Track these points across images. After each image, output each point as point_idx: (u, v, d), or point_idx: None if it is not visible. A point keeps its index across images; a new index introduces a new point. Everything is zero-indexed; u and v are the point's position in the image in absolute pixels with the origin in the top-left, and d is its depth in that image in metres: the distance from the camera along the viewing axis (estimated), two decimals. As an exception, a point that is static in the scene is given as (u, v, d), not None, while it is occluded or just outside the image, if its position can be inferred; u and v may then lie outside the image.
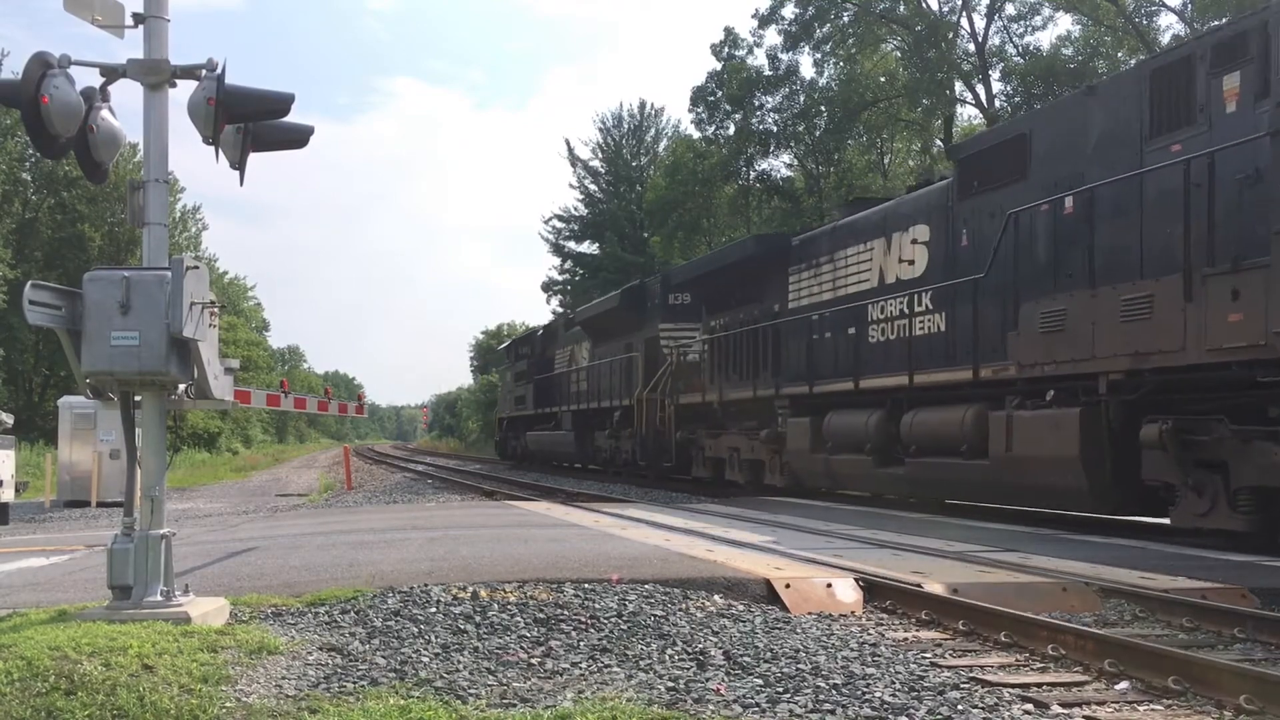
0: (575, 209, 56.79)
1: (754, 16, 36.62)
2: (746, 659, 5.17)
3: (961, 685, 4.71)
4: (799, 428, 15.56)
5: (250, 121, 6.07)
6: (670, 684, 4.74)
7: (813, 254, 16.02)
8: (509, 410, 37.13)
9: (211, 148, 5.89)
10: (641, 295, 23.54)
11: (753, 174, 38.88)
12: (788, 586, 6.76)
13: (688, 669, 5.05)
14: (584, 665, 5.10)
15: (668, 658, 5.25)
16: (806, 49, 36.11)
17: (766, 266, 17.19)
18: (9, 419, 16.89)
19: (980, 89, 33.34)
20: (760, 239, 19.53)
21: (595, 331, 26.15)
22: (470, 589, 6.51)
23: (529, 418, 33.06)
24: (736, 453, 18.20)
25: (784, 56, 36.48)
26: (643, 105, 56.08)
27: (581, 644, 5.48)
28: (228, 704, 4.31)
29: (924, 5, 33.91)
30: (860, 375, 14.01)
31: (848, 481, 14.84)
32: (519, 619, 5.92)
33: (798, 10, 35.12)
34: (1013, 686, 4.69)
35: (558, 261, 57.34)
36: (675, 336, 21.62)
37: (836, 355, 14.80)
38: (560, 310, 58.10)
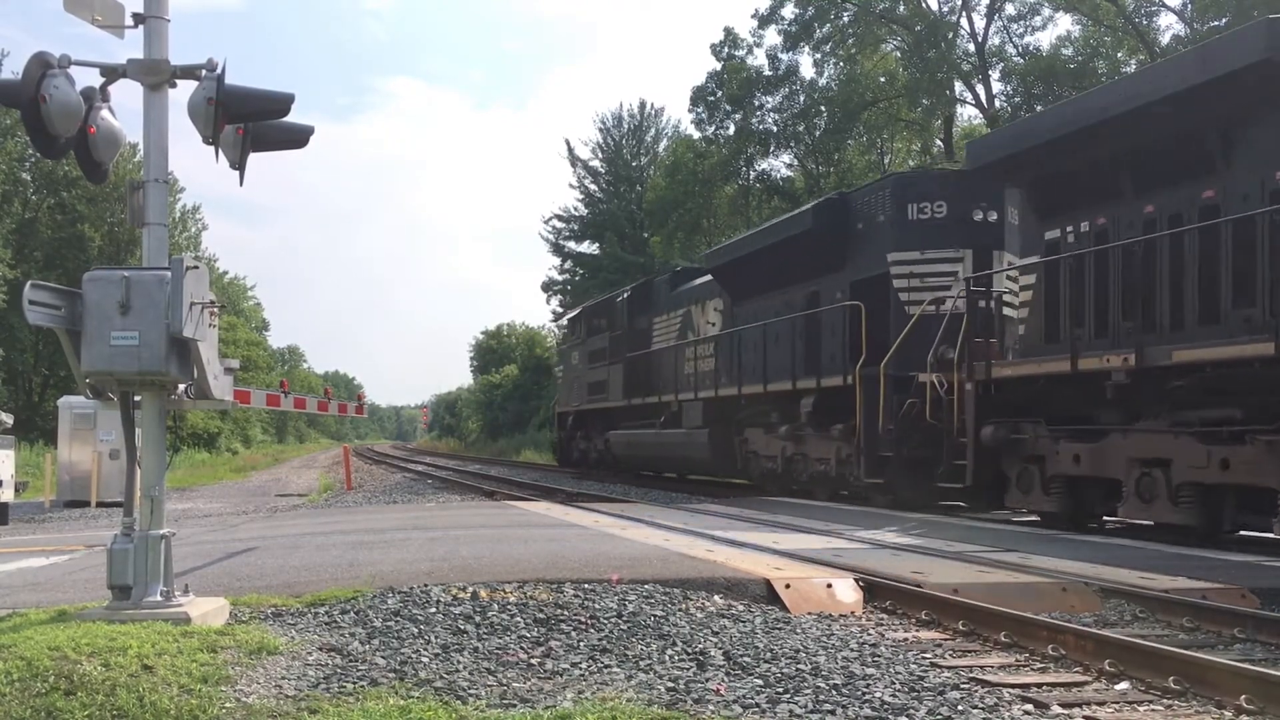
0: (575, 209, 56.84)
1: (754, 16, 36.72)
2: (746, 659, 5.17)
3: (961, 685, 4.70)
4: None
5: (250, 121, 6.06)
6: (670, 684, 4.74)
7: None
8: (577, 401, 27.98)
9: (211, 148, 5.89)
10: (845, 213, 15.39)
11: (753, 174, 38.92)
12: (788, 587, 6.76)
13: (688, 669, 5.05)
14: (584, 665, 5.10)
15: (668, 658, 5.25)
16: (806, 49, 36.17)
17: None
18: (9, 419, 16.88)
19: (980, 89, 33.38)
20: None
21: (744, 280, 18.23)
22: (470, 589, 6.51)
23: (612, 411, 24.92)
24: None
25: (784, 56, 36.55)
26: (643, 105, 56.14)
27: (581, 644, 5.48)
28: (227, 704, 4.31)
29: (924, 5, 33.93)
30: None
31: None
32: (519, 619, 5.92)
33: (798, 10, 35.17)
34: (1013, 687, 4.69)
35: (558, 261, 57.40)
36: (923, 274, 14.08)
37: None
38: (562, 309, 58.24)
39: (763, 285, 17.60)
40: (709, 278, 20.21)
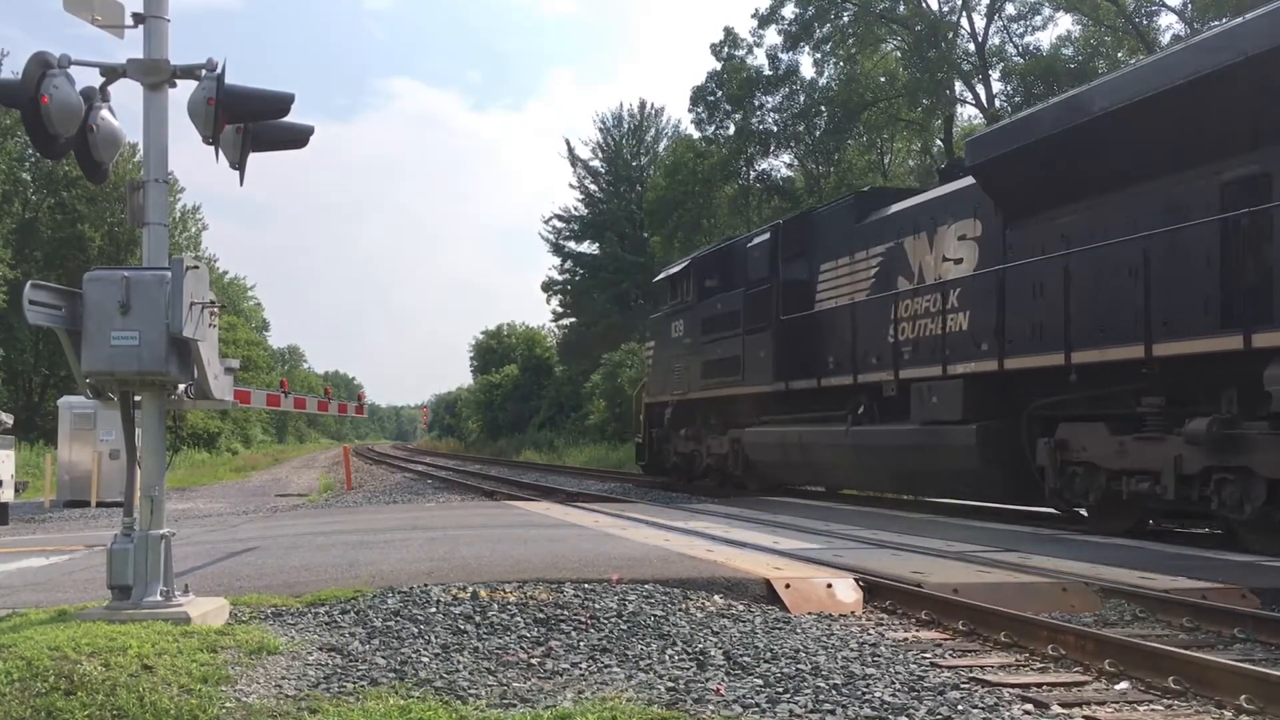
0: (575, 209, 56.86)
1: (754, 16, 36.66)
2: (746, 659, 5.17)
3: (961, 685, 4.70)
4: None
5: (250, 121, 6.06)
6: (670, 684, 4.74)
7: None
8: (682, 388, 19.93)
9: (211, 148, 5.89)
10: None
11: (753, 174, 38.88)
12: (788, 586, 6.76)
13: (688, 669, 5.04)
14: (584, 665, 5.10)
15: (668, 658, 5.25)
16: (806, 49, 36.13)
17: None
18: (9, 419, 16.87)
19: (980, 89, 33.36)
20: None
21: (1048, 177, 11.06)
22: (470, 589, 6.51)
23: (742, 402, 17.54)
24: None
25: (784, 56, 36.51)
26: (643, 105, 56.14)
27: (581, 644, 5.48)
28: (228, 704, 4.31)
29: (924, 5, 33.91)
30: None
31: None
32: (519, 619, 5.92)
33: (798, 10, 35.14)
34: (1013, 686, 4.69)
35: (558, 261, 57.39)
36: None
37: None
38: (562, 309, 58.27)
39: (1095, 182, 10.54)
40: (944, 191, 13.59)
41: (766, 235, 17.27)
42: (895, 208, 14.70)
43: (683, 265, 20.70)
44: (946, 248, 13.05)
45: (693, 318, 19.57)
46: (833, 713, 4.31)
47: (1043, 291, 11.10)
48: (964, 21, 33.47)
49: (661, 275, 22.13)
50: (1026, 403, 11.49)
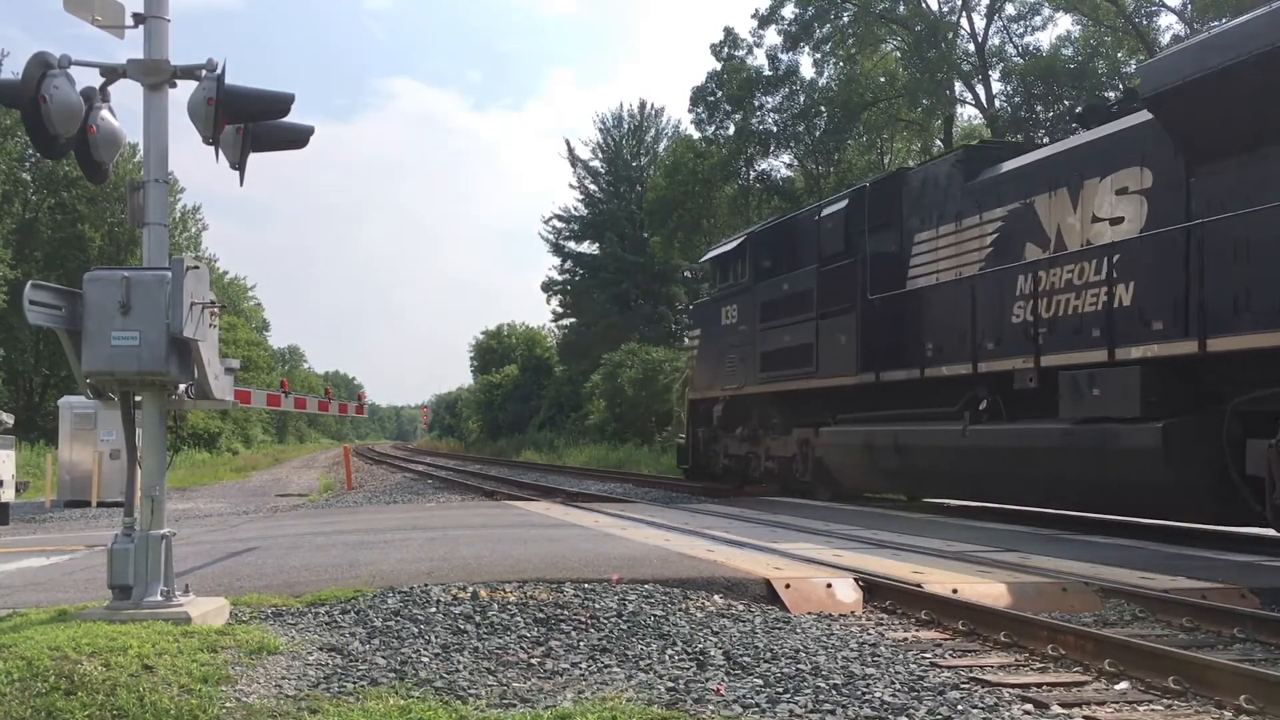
0: (575, 209, 56.89)
1: (754, 17, 36.68)
2: (746, 659, 5.17)
3: (961, 685, 4.71)
4: None
5: (250, 121, 6.06)
6: (670, 684, 4.74)
7: None
8: (738, 381, 17.44)
9: (211, 148, 5.89)
10: None
11: (753, 174, 38.88)
12: (788, 586, 6.76)
13: (688, 669, 5.05)
14: (584, 665, 5.10)
15: (668, 658, 5.25)
16: (806, 49, 36.14)
17: None
18: (9, 419, 16.88)
19: (980, 89, 33.37)
20: None
21: (1217, 120, 9.22)
22: (470, 589, 6.52)
23: (826, 395, 14.93)
24: None
25: (784, 57, 36.52)
26: (643, 105, 56.16)
27: (581, 644, 5.48)
28: (228, 704, 4.31)
29: (924, 5, 33.93)
30: None
31: None
32: (519, 619, 5.92)
33: (797, 10, 35.15)
34: (1013, 686, 4.69)
35: (558, 261, 57.41)
36: None
37: None
38: (562, 309, 58.27)
39: None
40: (1092, 137, 11.27)
41: (844, 203, 14.83)
42: (1017, 162, 12.35)
43: (735, 243, 18.27)
44: (1099, 205, 10.72)
45: (749, 302, 17.08)
46: (833, 713, 4.31)
47: (1261, 251, 8.56)
48: (964, 22, 33.49)
49: (709, 255, 19.85)
50: (1227, 395, 9.02)
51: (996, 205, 12.21)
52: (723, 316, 18.16)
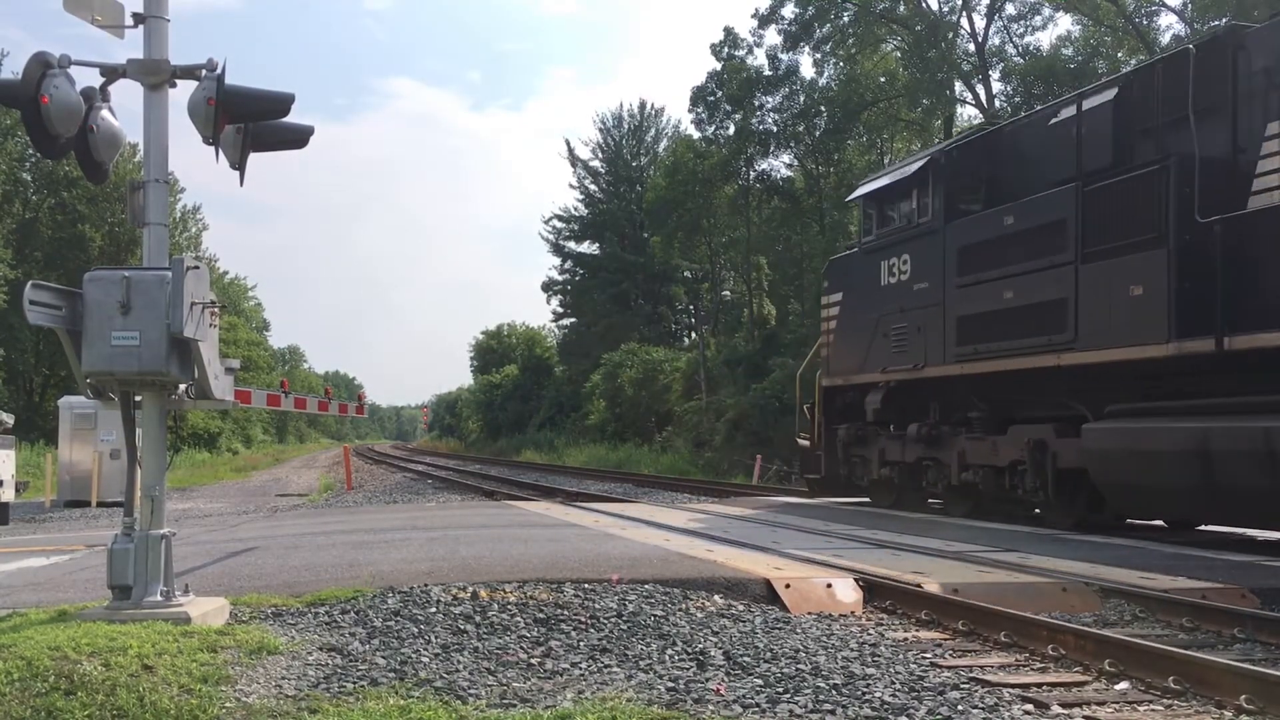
0: (575, 209, 56.93)
1: (754, 16, 36.73)
2: (746, 659, 5.17)
3: (961, 685, 4.70)
4: None
5: (250, 121, 6.06)
6: (670, 684, 4.74)
7: None
8: (916, 359, 12.66)
9: (211, 148, 5.89)
10: None
11: (753, 174, 38.92)
12: (788, 586, 6.76)
13: (688, 669, 5.04)
14: (584, 665, 5.10)
15: (668, 658, 5.25)
16: (806, 49, 36.19)
17: None
18: (9, 419, 16.89)
19: (980, 89, 33.35)
20: None
21: None
22: (470, 589, 6.51)
23: (1086, 376, 10.21)
24: None
25: (784, 56, 36.57)
26: (643, 105, 56.27)
27: (581, 644, 5.48)
28: (228, 704, 4.31)
29: (924, 5, 33.93)
30: None
31: None
32: (519, 619, 5.92)
33: (798, 10, 35.18)
34: (1013, 686, 4.69)
35: (558, 261, 57.46)
36: None
37: None
38: (562, 309, 58.23)
39: None
40: None
41: (1113, 92, 10.28)
42: None
43: (913, 167, 13.12)
44: None
45: (933, 248, 12.42)
46: (833, 713, 4.31)
47: None
48: (964, 21, 33.50)
49: (860, 190, 14.58)
50: None
51: None
52: (883, 273, 13.47)
